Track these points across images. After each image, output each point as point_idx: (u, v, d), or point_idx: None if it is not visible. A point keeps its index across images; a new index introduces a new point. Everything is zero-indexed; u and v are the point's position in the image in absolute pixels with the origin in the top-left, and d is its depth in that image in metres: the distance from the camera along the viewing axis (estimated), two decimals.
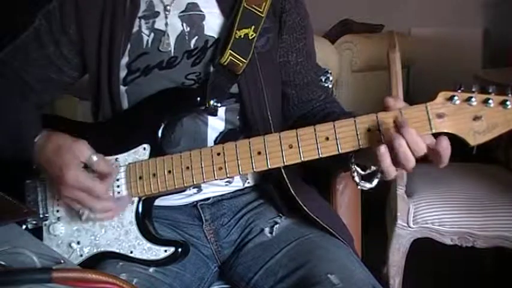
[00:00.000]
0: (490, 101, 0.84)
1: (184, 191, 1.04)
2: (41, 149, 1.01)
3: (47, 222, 1.07)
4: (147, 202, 1.04)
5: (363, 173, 0.94)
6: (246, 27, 1.07)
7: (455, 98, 0.85)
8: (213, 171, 0.97)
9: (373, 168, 0.93)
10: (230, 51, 1.05)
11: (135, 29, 1.11)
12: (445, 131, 0.86)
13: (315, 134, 0.91)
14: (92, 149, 0.99)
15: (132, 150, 1.04)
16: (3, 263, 0.76)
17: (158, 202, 1.06)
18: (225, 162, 0.96)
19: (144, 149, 1.03)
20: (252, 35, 1.07)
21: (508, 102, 0.83)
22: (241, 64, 1.05)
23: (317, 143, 0.91)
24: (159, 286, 1.01)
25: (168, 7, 1.11)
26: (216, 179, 0.99)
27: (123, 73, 1.10)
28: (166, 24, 1.11)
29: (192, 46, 1.10)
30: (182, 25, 1.11)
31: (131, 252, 1.02)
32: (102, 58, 1.11)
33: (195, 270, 1.10)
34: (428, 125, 0.86)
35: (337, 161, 0.97)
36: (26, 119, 1.07)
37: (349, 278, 0.94)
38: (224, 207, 1.14)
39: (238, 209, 1.16)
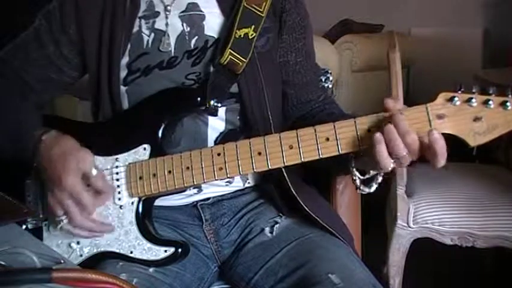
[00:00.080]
0: (490, 102, 0.84)
1: (184, 191, 1.04)
2: (46, 149, 1.01)
3: (47, 222, 1.07)
4: (147, 202, 1.04)
5: (361, 177, 0.94)
6: (246, 27, 1.07)
7: (456, 98, 0.85)
8: (214, 171, 0.97)
9: (372, 173, 0.94)
10: (230, 50, 1.05)
11: (135, 29, 1.11)
12: (446, 131, 0.86)
13: (315, 135, 0.91)
14: (94, 162, 1.00)
15: (133, 150, 1.04)
16: (3, 263, 0.76)
17: (158, 202, 1.06)
18: (225, 162, 0.96)
19: (145, 149, 1.03)
20: (252, 34, 1.07)
21: (508, 103, 0.84)
22: (241, 63, 1.05)
23: (317, 144, 0.91)
24: (159, 286, 1.01)
25: (169, 7, 1.11)
26: (216, 179, 0.99)
27: (123, 73, 1.10)
28: (166, 24, 1.11)
29: (192, 46, 1.10)
30: (182, 25, 1.11)
31: (131, 252, 1.02)
32: (102, 58, 1.11)
33: (195, 270, 1.10)
34: (428, 125, 0.86)
35: (338, 164, 0.97)
36: (26, 119, 1.07)
37: (350, 277, 0.94)
38: (224, 207, 1.14)
39: (238, 209, 1.15)
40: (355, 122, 0.90)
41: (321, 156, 0.91)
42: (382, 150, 0.86)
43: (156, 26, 1.11)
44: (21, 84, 1.16)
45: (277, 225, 1.11)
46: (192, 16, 1.11)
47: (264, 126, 1.08)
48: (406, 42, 3.49)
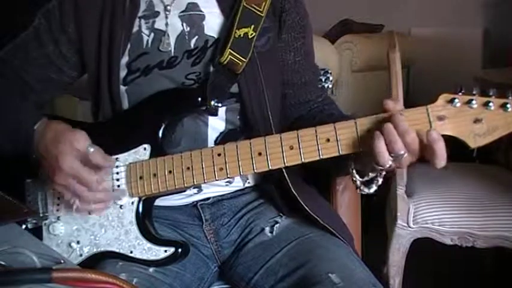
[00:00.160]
0: (491, 104, 0.84)
1: (184, 191, 1.04)
2: (40, 137, 1.01)
3: (46, 221, 1.07)
4: (148, 202, 1.04)
5: (361, 179, 0.95)
6: (245, 27, 1.07)
7: (456, 100, 0.86)
8: (214, 171, 0.97)
9: (371, 175, 0.94)
10: (230, 50, 1.05)
11: (135, 28, 1.11)
12: (446, 133, 0.86)
13: (316, 136, 0.91)
14: (89, 140, 0.99)
15: (133, 150, 1.04)
16: (3, 263, 0.76)
17: (158, 202, 1.06)
18: (225, 162, 0.96)
19: (145, 149, 1.03)
20: (252, 34, 1.07)
21: (508, 105, 0.84)
22: (240, 63, 1.05)
23: (318, 145, 0.91)
24: (159, 286, 1.01)
25: (168, 7, 1.11)
26: (216, 180, 0.99)
27: (123, 73, 1.10)
28: (166, 24, 1.11)
29: (192, 46, 1.10)
30: (182, 25, 1.11)
31: (131, 252, 1.02)
32: (101, 57, 1.11)
33: (195, 270, 1.10)
34: (428, 127, 0.86)
35: (337, 165, 0.98)
36: (26, 119, 1.07)
37: (350, 277, 0.94)
38: (224, 207, 1.14)
39: (238, 208, 1.16)
40: (355, 123, 0.90)
41: (321, 157, 0.92)
42: (380, 145, 0.85)
43: (156, 25, 1.11)
44: (21, 84, 1.16)
45: (277, 225, 1.11)
46: (192, 16, 1.11)
47: (264, 126, 1.08)
48: (406, 42, 3.49)
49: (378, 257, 1.84)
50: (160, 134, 1.03)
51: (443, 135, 0.85)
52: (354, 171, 0.96)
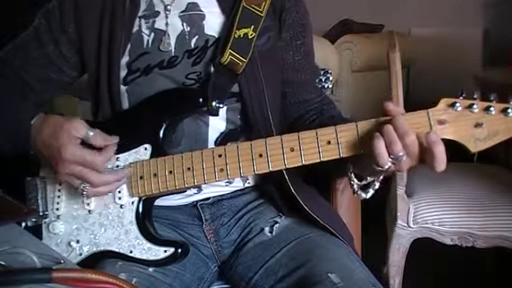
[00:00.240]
0: (492, 109, 0.85)
1: (184, 191, 1.04)
2: (37, 133, 1.01)
3: (46, 220, 1.07)
4: (148, 202, 1.04)
5: (358, 183, 0.95)
6: (245, 27, 1.07)
7: (457, 104, 0.86)
8: (215, 172, 0.97)
9: (369, 179, 0.95)
10: (230, 50, 1.05)
11: (135, 28, 1.11)
12: (446, 137, 0.86)
13: (317, 138, 0.92)
14: (87, 126, 0.99)
15: (133, 150, 1.04)
16: (3, 263, 0.76)
17: (158, 202, 1.06)
18: (226, 164, 0.97)
19: (145, 149, 1.03)
20: (252, 34, 1.07)
21: (509, 110, 0.84)
22: (241, 63, 1.05)
23: (319, 147, 0.92)
24: (158, 286, 1.01)
25: (169, 7, 1.11)
26: (217, 181, 0.99)
27: (123, 73, 1.10)
28: (166, 24, 1.11)
29: (192, 46, 1.10)
30: (182, 25, 1.11)
31: (131, 252, 1.02)
32: (101, 57, 1.11)
33: (195, 270, 1.10)
34: (429, 130, 0.86)
35: (337, 168, 0.98)
36: (26, 119, 1.07)
37: (350, 277, 0.95)
38: (224, 207, 1.14)
39: (238, 208, 1.16)
40: (356, 125, 0.90)
41: (322, 159, 0.92)
42: (380, 146, 0.85)
43: (156, 25, 1.11)
44: (21, 84, 1.16)
45: (277, 225, 1.12)
46: (192, 16, 1.11)
47: (264, 125, 1.08)
48: (406, 42, 3.49)
49: (378, 257, 1.84)
50: (161, 134, 1.04)
51: (443, 140, 0.85)
52: (352, 174, 0.96)
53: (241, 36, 1.07)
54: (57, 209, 1.07)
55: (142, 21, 1.12)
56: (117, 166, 1.04)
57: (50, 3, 1.15)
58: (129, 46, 1.10)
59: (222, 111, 1.08)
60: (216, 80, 1.05)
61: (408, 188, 1.85)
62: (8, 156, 1.06)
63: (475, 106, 0.85)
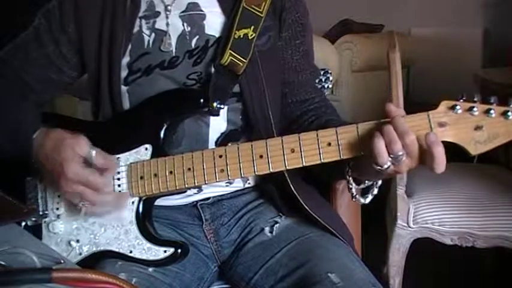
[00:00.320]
0: (492, 111, 0.85)
1: (185, 191, 1.04)
2: (39, 146, 1.01)
3: (46, 219, 1.07)
4: (148, 202, 1.04)
5: (357, 187, 0.95)
6: (245, 27, 1.07)
7: (458, 107, 0.86)
8: (215, 173, 0.97)
9: (367, 183, 0.95)
10: (230, 51, 1.05)
11: (136, 29, 1.11)
12: (447, 140, 0.86)
13: (317, 139, 0.92)
14: (90, 144, 0.99)
15: (134, 150, 1.04)
16: (3, 263, 0.76)
17: (158, 202, 1.06)
18: (226, 164, 0.97)
19: (146, 149, 1.03)
20: (252, 35, 1.07)
21: (509, 113, 0.84)
22: (241, 64, 1.05)
23: (319, 148, 0.92)
24: (158, 286, 1.01)
25: (169, 7, 1.11)
26: (217, 181, 0.99)
27: (124, 73, 1.10)
28: (167, 24, 1.11)
29: (193, 46, 1.10)
30: (183, 25, 1.11)
31: (131, 251, 1.02)
32: (102, 58, 1.11)
33: (195, 270, 1.10)
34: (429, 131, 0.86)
35: (336, 171, 0.98)
36: (26, 119, 1.07)
37: (350, 277, 0.95)
38: (224, 207, 1.14)
39: (238, 208, 1.16)
40: (356, 127, 0.90)
41: (322, 160, 0.92)
42: (380, 145, 0.85)
43: (157, 26, 1.11)
44: (21, 85, 1.16)
45: (277, 225, 1.12)
46: (193, 16, 1.11)
47: (265, 125, 1.08)
48: (406, 42, 3.49)
49: (378, 257, 1.84)
50: (161, 135, 1.04)
51: (444, 142, 0.85)
52: (351, 178, 0.96)
53: (241, 36, 1.07)
54: (57, 209, 1.07)
55: (143, 21, 1.12)
56: (117, 162, 1.03)
57: (50, 4, 1.15)
58: (129, 46, 1.10)
59: (223, 111, 1.08)
60: (217, 80, 1.05)
61: (408, 188, 1.85)
62: (8, 158, 1.06)
63: (475, 109, 0.85)
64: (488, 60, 3.71)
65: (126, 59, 1.10)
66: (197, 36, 1.10)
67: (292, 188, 1.05)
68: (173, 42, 1.10)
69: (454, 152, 0.89)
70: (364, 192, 0.97)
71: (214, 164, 0.97)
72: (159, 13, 1.12)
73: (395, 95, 1.69)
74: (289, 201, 1.09)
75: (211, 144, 1.09)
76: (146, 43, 1.11)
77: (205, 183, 0.99)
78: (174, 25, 1.11)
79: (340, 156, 0.91)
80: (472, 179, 1.94)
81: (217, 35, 1.10)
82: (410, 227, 1.81)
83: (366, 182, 0.96)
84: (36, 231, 1.06)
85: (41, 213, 1.07)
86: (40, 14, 1.16)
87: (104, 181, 0.98)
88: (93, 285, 0.71)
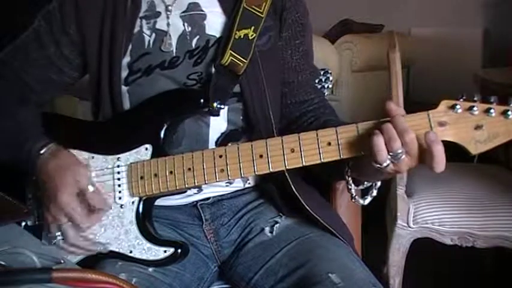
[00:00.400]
0: (492, 111, 0.85)
1: (185, 191, 1.04)
2: (44, 163, 1.01)
3: None
4: (148, 202, 1.04)
5: (356, 188, 0.96)
6: (245, 28, 1.07)
7: (458, 106, 0.86)
8: (215, 173, 0.97)
9: (366, 184, 0.95)
10: (230, 51, 1.05)
11: (136, 29, 1.11)
12: (447, 139, 0.86)
13: (317, 139, 0.92)
14: (91, 179, 1.00)
15: (134, 150, 1.04)
16: (3, 263, 0.76)
17: (158, 202, 1.06)
18: (227, 164, 0.97)
19: (146, 149, 1.03)
20: (252, 35, 1.07)
21: (509, 112, 0.84)
22: (241, 64, 1.06)
23: (319, 148, 0.92)
24: (158, 286, 1.01)
25: (170, 7, 1.11)
26: (217, 181, 0.99)
27: (124, 73, 1.10)
28: (168, 24, 1.11)
29: (193, 46, 1.10)
30: (183, 25, 1.11)
31: (130, 251, 1.02)
32: (103, 58, 1.11)
33: (195, 270, 1.10)
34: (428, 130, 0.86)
35: (335, 172, 0.98)
36: (26, 120, 1.08)
37: (350, 277, 0.95)
38: (224, 207, 1.14)
39: (238, 208, 1.16)
40: (357, 127, 0.90)
41: (322, 160, 0.92)
42: (379, 143, 0.85)
43: (157, 26, 1.11)
44: (21, 86, 1.16)
45: (277, 225, 1.12)
46: (193, 16, 1.11)
47: (265, 125, 1.08)
48: (406, 42, 3.49)
49: (378, 257, 1.84)
50: (162, 135, 1.04)
51: (444, 141, 0.85)
52: (350, 179, 0.96)
53: (242, 37, 1.07)
54: None
55: (144, 21, 1.12)
56: (118, 166, 1.04)
57: (50, 5, 1.15)
58: (130, 47, 1.10)
59: (223, 111, 1.08)
60: (217, 80, 1.05)
61: (408, 188, 1.85)
62: (8, 157, 1.05)
63: (475, 108, 0.85)
64: (488, 60, 3.71)
65: (126, 59, 1.10)
66: (198, 36, 1.10)
67: (294, 189, 1.05)
68: (174, 42, 1.10)
69: (454, 151, 0.89)
70: (363, 194, 0.97)
71: (214, 164, 0.97)
72: (159, 13, 1.12)
73: (396, 94, 1.69)
74: (290, 201, 1.09)
75: (212, 144, 1.09)
76: (147, 43, 1.11)
77: (206, 183, 0.99)
78: (175, 25, 1.11)
79: (340, 156, 0.91)
80: (472, 179, 1.94)
81: (217, 35, 1.10)
82: (410, 227, 1.81)
83: (365, 183, 0.96)
84: (36, 231, 1.06)
85: (36, 222, 1.07)
86: (40, 15, 1.16)
87: (88, 225, 1.00)
88: (93, 285, 0.71)
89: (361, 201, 0.96)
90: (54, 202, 0.98)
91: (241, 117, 1.12)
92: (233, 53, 1.05)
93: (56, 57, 1.15)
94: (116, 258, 1.03)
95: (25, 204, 1.08)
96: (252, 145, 0.96)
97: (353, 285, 0.93)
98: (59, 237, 1.01)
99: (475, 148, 0.86)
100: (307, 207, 1.06)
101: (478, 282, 2.27)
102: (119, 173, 1.04)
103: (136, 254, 1.02)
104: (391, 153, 0.85)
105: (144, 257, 1.02)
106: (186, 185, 1.00)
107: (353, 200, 0.97)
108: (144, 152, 1.03)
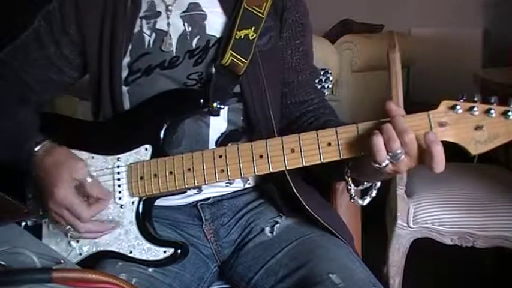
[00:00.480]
0: (492, 111, 0.85)
1: (185, 192, 1.04)
2: (39, 160, 1.01)
3: (46, 219, 1.07)
4: (148, 202, 1.04)
5: (355, 188, 0.96)
6: (246, 28, 1.07)
7: (458, 107, 0.86)
8: (215, 173, 0.97)
9: (366, 184, 0.95)
10: (231, 51, 1.05)
11: (137, 29, 1.11)
12: (447, 139, 0.86)
13: (317, 139, 0.92)
14: (88, 171, 1.00)
15: (134, 150, 1.04)
16: (3, 263, 0.76)
17: (158, 202, 1.06)
18: (226, 164, 0.97)
19: (146, 149, 1.03)
20: (253, 35, 1.07)
21: (509, 113, 0.84)
22: (242, 64, 1.05)
23: (319, 148, 0.92)
24: (158, 286, 1.01)
25: (170, 7, 1.11)
26: (217, 181, 0.99)
27: (124, 73, 1.10)
28: (168, 24, 1.11)
29: (193, 46, 1.10)
30: (184, 25, 1.11)
31: (131, 252, 1.02)
32: (103, 58, 1.11)
33: (195, 270, 1.10)
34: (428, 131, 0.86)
35: (335, 172, 0.98)
36: (26, 120, 1.08)
37: (350, 277, 0.95)
38: (224, 207, 1.14)
39: (238, 208, 1.16)
40: (357, 127, 0.90)
41: (322, 160, 0.92)
42: (378, 143, 0.85)
43: (158, 26, 1.11)
44: (21, 86, 1.16)
45: (277, 225, 1.12)
46: (194, 16, 1.11)
47: (266, 126, 1.08)
48: (406, 42, 3.49)
49: (378, 257, 1.84)
50: (162, 135, 1.04)
51: (444, 142, 0.85)
52: (350, 179, 0.96)
53: (242, 37, 1.07)
54: None
55: (144, 21, 1.12)
56: (118, 166, 1.04)
57: (50, 5, 1.15)
58: (130, 47, 1.10)
59: (223, 111, 1.08)
60: (218, 80, 1.05)
61: (408, 188, 1.85)
62: (7, 157, 1.05)
63: (475, 109, 0.85)
64: (488, 60, 3.71)
65: (126, 59, 1.10)
66: (198, 37, 1.10)
67: (294, 189, 1.05)
68: (174, 42, 1.10)
69: (454, 152, 0.89)
70: (362, 194, 0.97)
71: (214, 164, 0.97)
72: (160, 13, 1.12)
73: (396, 95, 1.69)
74: (290, 201, 1.09)
75: (212, 144, 1.09)
76: (147, 43, 1.10)
77: (205, 184, 0.99)
78: (175, 25, 1.11)
79: (340, 156, 0.91)
80: (472, 179, 1.94)
81: (218, 35, 1.10)
82: (410, 227, 1.81)
83: (365, 183, 0.96)
84: (36, 231, 1.06)
85: (41, 213, 1.07)
86: (40, 15, 1.16)
87: (90, 214, 1.00)
88: (93, 285, 0.71)
89: (360, 202, 0.97)
90: (52, 198, 0.98)
91: (241, 118, 1.12)
92: (233, 53, 1.05)
93: (56, 57, 1.15)
94: (116, 259, 1.03)
95: (25, 204, 1.08)
96: (252, 145, 0.96)
97: (353, 285, 0.93)
98: (71, 230, 1.02)
99: (475, 149, 0.86)
100: (308, 208, 1.06)
101: (478, 282, 2.27)
102: (118, 173, 1.04)
103: (136, 254, 1.02)
104: (390, 154, 0.85)
105: (144, 257, 1.02)
106: (186, 186, 1.00)
107: (352, 201, 0.97)
108: (144, 152, 1.03)
